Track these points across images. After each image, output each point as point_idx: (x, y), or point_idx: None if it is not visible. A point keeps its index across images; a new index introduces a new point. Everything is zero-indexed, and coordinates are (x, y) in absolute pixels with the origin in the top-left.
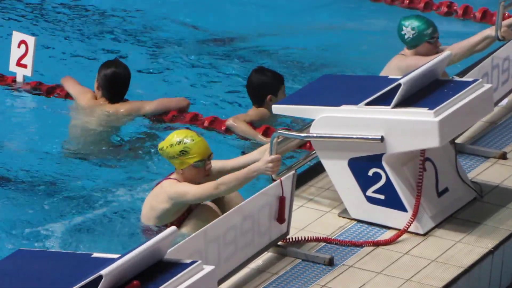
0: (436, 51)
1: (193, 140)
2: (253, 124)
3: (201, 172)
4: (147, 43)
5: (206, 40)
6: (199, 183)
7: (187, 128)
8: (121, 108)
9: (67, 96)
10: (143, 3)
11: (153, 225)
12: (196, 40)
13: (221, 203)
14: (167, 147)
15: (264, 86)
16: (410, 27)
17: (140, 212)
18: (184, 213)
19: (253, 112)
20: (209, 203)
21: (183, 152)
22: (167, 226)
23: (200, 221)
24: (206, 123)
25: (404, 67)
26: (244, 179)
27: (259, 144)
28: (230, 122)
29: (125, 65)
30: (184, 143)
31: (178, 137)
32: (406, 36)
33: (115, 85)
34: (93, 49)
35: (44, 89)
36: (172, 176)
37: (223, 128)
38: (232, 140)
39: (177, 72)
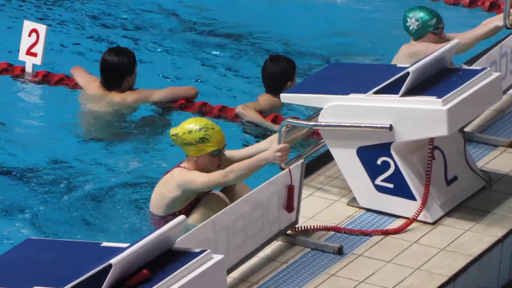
0: (442, 41)
1: (213, 128)
2: (262, 113)
3: (215, 161)
4: (157, 31)
5: (214, 29)
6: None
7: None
8: (129, 96)
9: (76, 86)
10: None
11: (162, 214)
12: (203, 29)
13: (231, 194)
14: (184, 133)
15: (283, 74)
16: (414, 18)
17: (149, 201)
18: (192, 202)
19: (264, 101)
20: (218, 192)
21: (203, 140)
22: (175, 214)
23: (208, 209)
24: (214, 112)
25: (413, 52)
26: (253, 168)
27: (268, 133)
28: (239, 109)
29: (123, 53)
30: (205, 130)
31: (199, 125)
32: (410, 28)
33: (104, 72)
34: (105, 38)
35: (53, 79)
36: (182, 165)
37: (231, 116)
38: (240, 129)
39: (185, 60)
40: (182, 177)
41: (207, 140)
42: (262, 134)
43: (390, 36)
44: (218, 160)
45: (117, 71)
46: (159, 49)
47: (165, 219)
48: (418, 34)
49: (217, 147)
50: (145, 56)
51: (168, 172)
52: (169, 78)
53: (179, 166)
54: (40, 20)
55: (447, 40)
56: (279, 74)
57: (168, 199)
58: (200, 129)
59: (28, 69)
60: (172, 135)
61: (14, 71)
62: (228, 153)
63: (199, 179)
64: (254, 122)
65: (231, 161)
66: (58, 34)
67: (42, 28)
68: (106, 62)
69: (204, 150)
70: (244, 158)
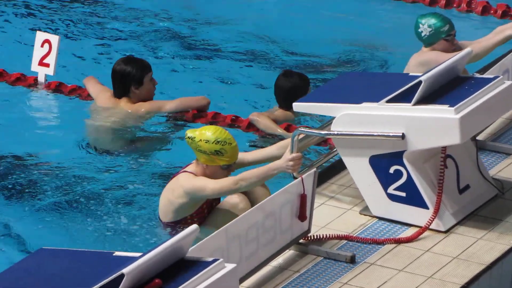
0: (453, 48)
1: (231, 144)
2: (276, 123)
3: (224, 173)
4: (169, 42)
5: (225, 39)
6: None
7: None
8: (141, 107)
9: (88, 96)
10: (167, 4)
11: (172, 220)
12: (215, 39)
13: (250, 198)
14: (201, 140)
15: (294, 90)
16: (426, 24)
17: (158, 209)
18: (203, 205)
19: (279, 112)
20: (240, 194)
21: (218, 153)
22: (186, 219)
23: (226, 217)
24: (227, 121)
25: (424, 61)
26: (264, 177)
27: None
28: (254, 116)
29: (131, 62)
30: (222, 145)
31: (218, 137)
32: (422, 34)
33: (112, 81)
34: (121, 48)
35: (66, 90)
36: (188, 169)
37: (244, 126)
38: (253, 139)
39: (197, 71)
40: (190, 184)
41: (222, 154)
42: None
43: (401, 44)
44: (227, 173)
45: (121, 80)
46: (172, 60)
47: (176, 225)
48: (430, 41)
49: (230, 162)
50: (160, 66)
51: (174, 176)
52: (179, 89)
53: (185, 171)
54: (53, 30)
55: (459, 47)
56: (291, 89)
57: (176, 205)
58: (218, 142)
59: (41, 79)
60: (188, 137)
61: (27, 81)
62: (238, 155)
63: (210, 186)
64: (267, 130)
65: (241, 164)
66: (71, 44)
67: (54, 39)
68: (113, 71)
69: (216, 162)
70: (253, 162)
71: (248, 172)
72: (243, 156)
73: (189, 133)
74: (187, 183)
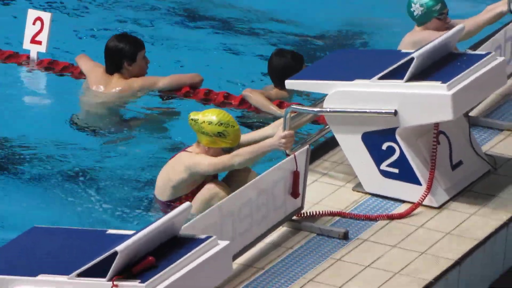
0: (446, 27)
1: (233, 126)
2: (270, 100)
3: (221, 154)
4: (163, 18)
5: (218, 17)
6: None
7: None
8: (133, 83)
9: (81, 74)
10: None
11: (168, 199)
12: (210, 17)
13: (234, 181)
14: (204, 121)
15: (286, 69)
16: (418, 3)
17: (153, 188)
18: (199, 186)
19: (273, 91)
20: (219, 181)
21: (220, 134)
22: (181, 199)
23: (209, 196)
24: (219, 99)
25: (417, 41)
26: (259, 154)
27: (272, 120)
28: (247, 92)
29: (124, 39)
30: (225, 127)
31: (221, 119)
32: (415, 13)
33: (105, 57)
34: (113, 26)
35: (58, 67)
36: (189, 149)
37: (236, 103)
38: (245, 116)
39: (190, 48)
40: (189, 160)
41: (224, 136)
42: (264, 123)
43: (394, 23)
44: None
45: (113, 57)
46: (162, 37)
47: (171, 205)
48: (422, 20)
49: (231, 145)
50: (148, 43)
51: (174, 156)
52: (171, 66)
53: (186, 151)
54: (45, 8)
55: (452, 26)
56: (284, 68)
57: (174, 181)
58: (221, 123)
59: (33, 57)
60: (192, 119)
61: (19, 58)
62: None
63: (207, 161)
64: (259, 107)
65: (237, 145)
66: (63, 22)
67: (46, 16)
68: (106, 47)
69: (218, 144)
70: (249, 143)
71: (242, 149)
72: None
73: (192, 115)
74: (188, 159)
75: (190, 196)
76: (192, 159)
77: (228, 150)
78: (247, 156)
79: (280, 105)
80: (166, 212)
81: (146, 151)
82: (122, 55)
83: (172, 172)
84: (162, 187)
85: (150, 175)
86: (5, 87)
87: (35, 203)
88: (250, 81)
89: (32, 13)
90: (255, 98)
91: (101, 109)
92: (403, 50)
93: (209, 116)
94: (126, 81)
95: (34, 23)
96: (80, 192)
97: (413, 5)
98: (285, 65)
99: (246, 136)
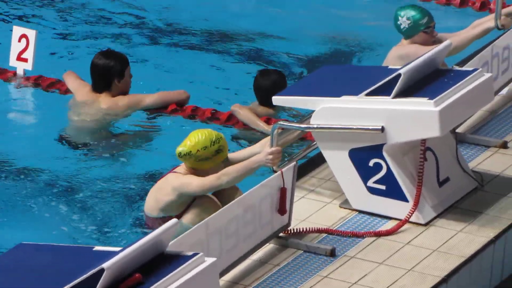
0: (433, 40)
1: (222, 137)
2: (257, 116)
3: (220, 167)
4: (147, 34)
5: (207, 34)
6: None
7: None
8: (120, 101)
9: (67, 91)
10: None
11: (157, 216)
12: (196, 34)
13: (222, 198)
14: (198, 150)
15: (273, 87)
16: (405, 17)
17: (142, 205)
18: (189, 207)
19: (260, 108)
20: (210, 195)
21: (219, 151)
22: (171, 218)
23: (201, 211)
24: (206, 115)
25: (403, 55)
26: (246, 171)
27: (260, 136)
28: (236, 107)
29: (112, 56)
30: (218, 142)
31: (211, 138)
32: (402, 26)
33: (92, 75)
34: (98, 43)
35: (45, 84)
36: (177, 170)
37: (223, 120)
38: (232, 132)
39: (177, 65)
40: (177, 181)
41: (222, 151)
42: (252, 139)
43: (380, 37)
44: (223, 166)
45: (103, 74)
46: (148, 53)
47: (160, 222)
48: (409, 33)
49: (227, 155)
50: (135, 60)
51: (162, 177)
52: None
53: (174, 171)
54: (30, 24)
55: (439, 39)
56: (270, 87)
57: (163, 203)
58: (214, 142)
59: (20, 74)
60: (184, 154)
61: (6, 74)
62: None
63: (194, 182)
64: (247, 122)
65: (225, 164)
66: (49, 38)
67: (32, 33)
68: (94, 65)
69: (218, 161)
70: (237, 161)
71: (230, 167)
72: (228, 156)
73: (183, 151)
74: (175, 181)
75: (179, 216)
76: (180, 180)
77: (226, 160)
78: (235, 174)
79: (267, 121)
80: (153, 229)
81: (134, 168)
82: (112, 72)
83: (160, 194)
84: (151, 208)
85: (139, 192)
86: None
87: (22, 219)
88: (236, 97)
89: (17, 30)
90: (244, 113)
91: (89, 126)
92: (390, 66)
93: (199, 143)
94: (113, 99)
95: (19, 40)
96: (67, 208)
97: (400, 18)
98: (270, 83)
99: (234, 154)
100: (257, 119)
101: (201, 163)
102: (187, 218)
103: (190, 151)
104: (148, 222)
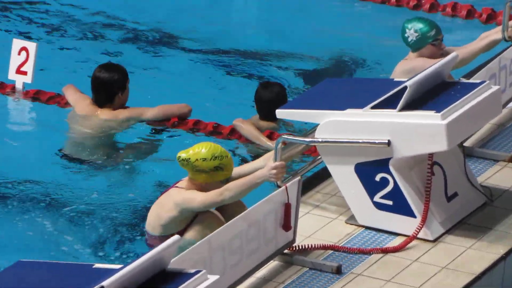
0: (441, 53)
1: (227, 156)
2: (259, 130)
3: (219, 186)
4: (147, 47)
5: (209, 48)
6: None
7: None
8: (121, 114)
9: (67, 104)
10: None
11: (158, 234)
12: (198, 47)
13: (226, 213)
14: (197, 160)
15: (275, 100)
16: (413, 29)
17: (144, 221)
18: (191, 223)
19: (262, 122)
20: (214, 211)
21: (218, 168)
22: (173, 235)
23: (203, 226)
24: (208, 129)
25: (410, 69)
26: (250, 186)
27: (263, 151)
28: (238, 122)
29: (114, 69)
30: (220, 159)
31: (214, 153)
32: (409, 39)
33: (95, 89)
34: (96, 55)
35: (44, 97)
36: (179, 185)
37: (225, 134)
38: (235, 147)
39: (178, 78)
40: (180, 197)
41: (222, 169)
42: (255, 153)
43: (387, 50)
44: (221, 185)
45: (107, 88)
46: (149, 66)
47: (161, 239)
48: (417, 46)
49: (228, 176)
50: (136, 73)
51: (164, 192)
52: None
53: (176, 186)
54: (30, 37)
55: (446, 52)
56: (272, 100)
57: (165, 219)
58: (215, 157)
59: (19, 87)
60: (183, 159)
61: (4, 88)
62: None
63: (197, 198)
64: (249, 137)
65: (229, 179)
66: (49, 51)
67: (32, 46)
68: (97, 79)
69: (216, 178)
70: (240, 176)
71: (232, 182)
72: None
73: (182, 155)
74: (178, 196)
75: (182, 232)
76: (182, 195)
77: (225, 182)
78: (238, 190)
79: (270, 135)
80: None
81: (135, 182)
82: (116, 86)
83: (161, 210)
84: (153, 224)
85: (141, 207)
86: None
87: (21, 235)
88: (237, 112)
89: (17, 43)
90: (247, 128)
91: (89, 139)
92: (396, 79)
93: (201, 152)
94: (114, 112)
95: (19, 53)
96: (66, 223)
97: (407, 30)
98: (272, 96)
99: (238, 169)
100: (260, 135)
101: (197, 173)
102: (190, 234)
103: (189, 158)
104: (150, 241)
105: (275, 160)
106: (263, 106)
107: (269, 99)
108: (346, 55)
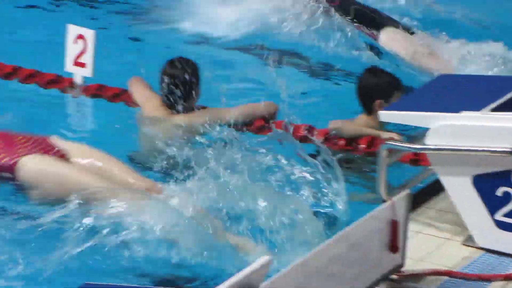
0: None
1: None
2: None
3: None
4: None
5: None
6: None
7: None
8: (196, 118)
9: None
10: None
11: None
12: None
13: None
14: None
15: (375, 89)
16: None
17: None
18: None
19: (361, 120)
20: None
21: None
22: None
23: None
24: (301, 132)
25: None
26: None
27: None
28: (337, 124)
29: (187, 64)
30: None
31: None
32: None
33: (168, 89)
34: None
35: (108, 94)
36: None
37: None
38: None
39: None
40: None
41: None
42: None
43: None
44: None
45: (185, 87)
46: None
47: None
48: None
49: None
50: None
51: None
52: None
53: None
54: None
55: None
56: (366, 88)
57: None
58: None
59: (77, 81)
60: None
61: (62, 83)
62: None
63: None
64: (353, 134)
65: None
66: (107, 38)
67: (89, 33)
68: (172, 77)
69: None
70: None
71: None
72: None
73: None
74: None
75: None
76: None
77: None
78: None
79: (371, 142)
80: None
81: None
82: (193, 84)
83: None
84: None
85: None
86: (47, 117)
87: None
88: (328, 113)
89: (72, 29)
90: (347, 127)
91: (157, 148)
92: None
93: None
94: (190, 115)
95: (75, 42)
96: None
97: None
98: (375, 83)
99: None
100: (363, 128)
101: None
102: None
103: None
104: None
105: (379, 172)
106: (361, 92)
107: (371, 85)
108: None
